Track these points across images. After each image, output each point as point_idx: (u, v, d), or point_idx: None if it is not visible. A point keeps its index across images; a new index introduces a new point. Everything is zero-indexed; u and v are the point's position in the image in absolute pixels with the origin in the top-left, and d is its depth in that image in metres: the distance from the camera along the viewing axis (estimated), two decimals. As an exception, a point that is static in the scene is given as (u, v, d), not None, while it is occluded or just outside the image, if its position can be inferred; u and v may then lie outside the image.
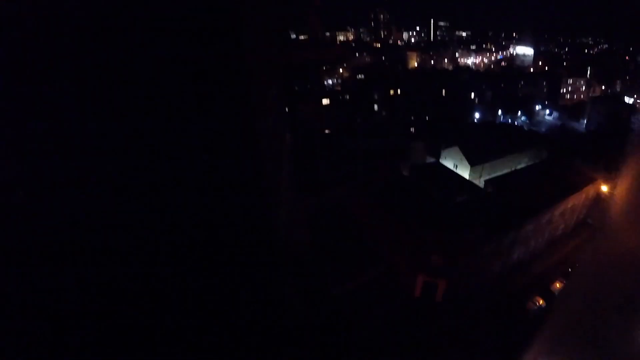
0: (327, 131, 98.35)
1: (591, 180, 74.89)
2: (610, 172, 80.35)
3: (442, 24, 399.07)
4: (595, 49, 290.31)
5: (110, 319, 7.93)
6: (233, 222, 8.48)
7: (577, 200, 71.85)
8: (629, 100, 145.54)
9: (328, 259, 57.80)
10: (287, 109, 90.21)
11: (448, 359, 48.63)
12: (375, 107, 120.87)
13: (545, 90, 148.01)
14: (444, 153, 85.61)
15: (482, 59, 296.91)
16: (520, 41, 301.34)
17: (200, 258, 8.59)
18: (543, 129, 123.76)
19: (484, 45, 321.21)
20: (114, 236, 7.06)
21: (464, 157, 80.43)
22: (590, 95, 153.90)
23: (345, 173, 71.30)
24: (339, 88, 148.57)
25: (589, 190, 74.95)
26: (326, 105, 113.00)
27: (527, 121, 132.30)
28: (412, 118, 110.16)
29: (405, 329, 52.37)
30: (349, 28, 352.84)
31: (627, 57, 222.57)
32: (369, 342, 49.26)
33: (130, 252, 7.37)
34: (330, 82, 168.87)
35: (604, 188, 79.88)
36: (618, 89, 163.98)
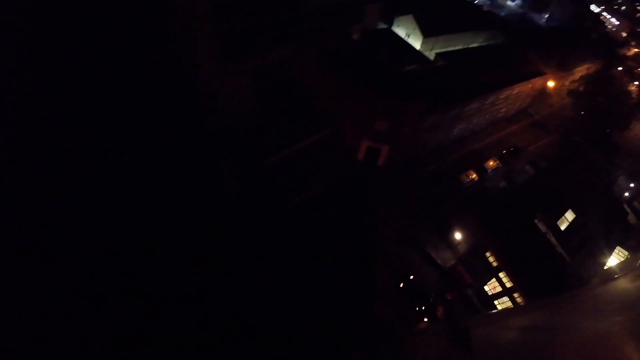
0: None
1: (540, 74, 75.71)
2: (560, 70, 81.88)
3: None
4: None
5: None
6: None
7: (523, 89, 72.74)
8: (595, 8, 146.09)
9: (272, 122, 57.06)
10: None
11: (387, 222, 50.28)
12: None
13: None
14: (397, 20, 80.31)
15: None
16: None
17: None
18: (503, 13, 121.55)
19: None
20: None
21: (417, 27, 76.09)
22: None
23: (291, 32, 65.82)
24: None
25: (536, 83, 76.05)
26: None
27: (489, 2, 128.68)
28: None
29: (346, 190, 53.30)
30: None
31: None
32: (307, 207, 49.35)
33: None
34: None
35: (551, 84, 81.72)
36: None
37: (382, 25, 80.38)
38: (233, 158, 51.36)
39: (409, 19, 77.95)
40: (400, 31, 78.25)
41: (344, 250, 45.39)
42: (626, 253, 50.88)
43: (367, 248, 46.45)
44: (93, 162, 45.05)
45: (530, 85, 74.51)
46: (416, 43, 75.26)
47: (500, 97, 67.00)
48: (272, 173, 51.80)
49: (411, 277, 43.92)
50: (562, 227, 50.00)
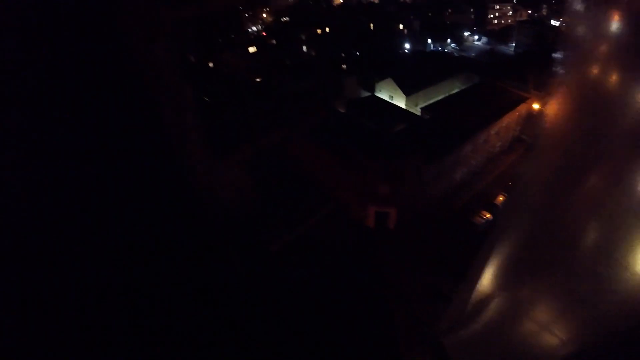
0: (258, 80, 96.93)
1: (523, 100, 78.71)
2: (539, 90, 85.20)
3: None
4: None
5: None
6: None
7: (511, 118, 75.50)
8: (555, 22, 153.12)
9: (274, 207, 58.91)
10: (210, 63, 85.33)
11: (410, 281, 50.52)
12: (304, 48, 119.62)
13: (472, 16, 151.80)
14: (378, 86, 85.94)
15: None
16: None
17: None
18: (472, 54, 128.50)
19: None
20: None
21: (398, 88, 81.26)
22: (517, 19, 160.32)
23: (280, 117, 70.68)
24: (265, 33, 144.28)
25: (522, 109, 78.92)
26: (253, 53, 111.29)
27: (457, 47, 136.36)
28: (342, 55, 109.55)
29: (365, 258, 53.54)
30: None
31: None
32: (323, 285, 50.02)
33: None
34: (254, 28, 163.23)
35: (536, 106, 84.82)
36: (545, 13, 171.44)
37: (365, 93, 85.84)
38: (239, 248, 52.93)
39: (389, 82, 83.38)
40: (384, 95, 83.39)
41: (369, 322, 45.72)
42: None
43: (393, 311, 46.65)
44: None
45: (516, 114, 77.18)
46: (400, 103, 79.88)
47: (491, 132, 69.52)
48: (282, 256, 52.88)
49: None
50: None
